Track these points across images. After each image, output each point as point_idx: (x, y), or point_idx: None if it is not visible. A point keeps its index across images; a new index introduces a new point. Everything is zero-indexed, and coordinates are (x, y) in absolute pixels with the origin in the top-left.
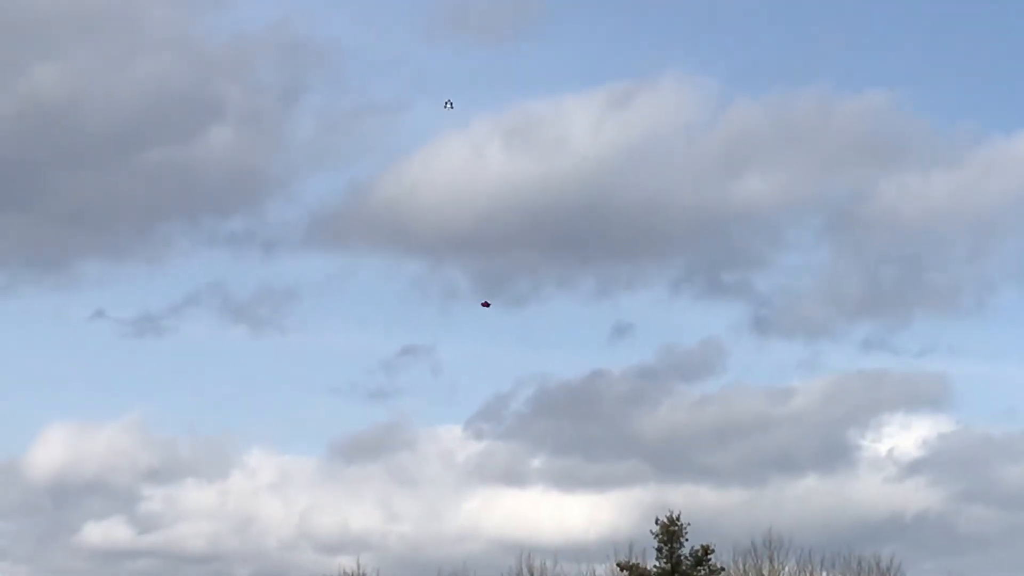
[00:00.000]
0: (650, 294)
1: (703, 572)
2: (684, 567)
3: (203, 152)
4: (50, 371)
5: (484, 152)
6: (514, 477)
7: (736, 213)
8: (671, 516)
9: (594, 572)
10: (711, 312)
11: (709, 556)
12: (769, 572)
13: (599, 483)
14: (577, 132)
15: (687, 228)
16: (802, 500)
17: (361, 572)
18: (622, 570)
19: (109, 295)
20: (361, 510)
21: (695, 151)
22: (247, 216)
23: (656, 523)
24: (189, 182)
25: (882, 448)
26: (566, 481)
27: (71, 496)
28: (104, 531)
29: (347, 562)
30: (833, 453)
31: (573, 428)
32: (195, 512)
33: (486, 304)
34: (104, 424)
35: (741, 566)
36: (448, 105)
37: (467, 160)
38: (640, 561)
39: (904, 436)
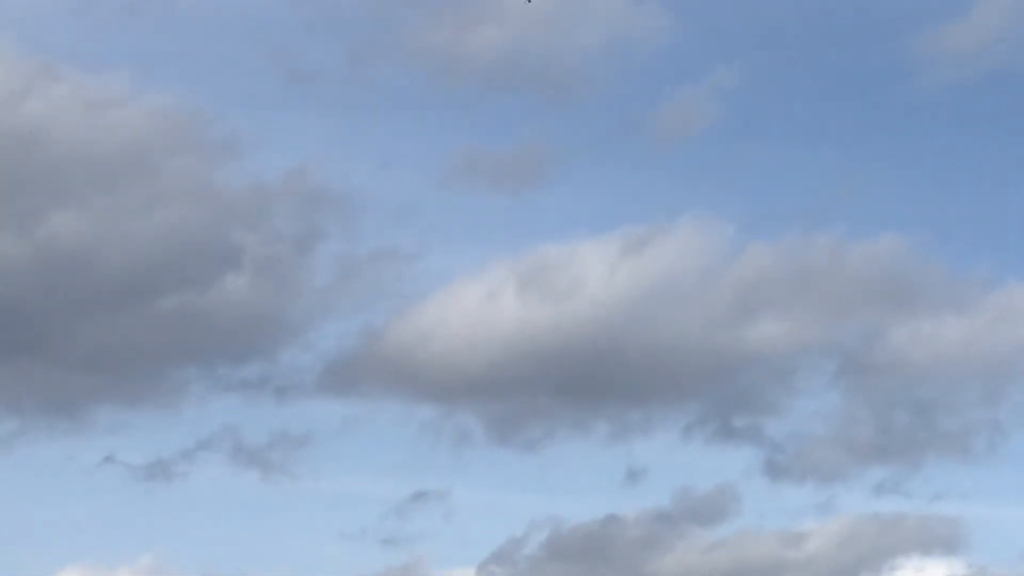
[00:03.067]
0: (664, 438)
1: None
2: None
3: (218, 299)
4: (61, 518)
5: (498, 297)
6: None
7: (749, 358)
8: None
9: None
10: (724, 456)
11: None
12: None
13: None
14: (591, 277)
15: (700, 373)
16: None
17: None
18: None
19: (120, 440)
20: None
21: (709, 295)
22: (261, 362)
23: None
24: (204, 329)
25: None
26: None
27: None
28: None
29: None
30: None
31: (587, 572)
32: None
33: None
34: (116, 570)
35: None
36: None
37: (481, 305)
38: None
39: None
